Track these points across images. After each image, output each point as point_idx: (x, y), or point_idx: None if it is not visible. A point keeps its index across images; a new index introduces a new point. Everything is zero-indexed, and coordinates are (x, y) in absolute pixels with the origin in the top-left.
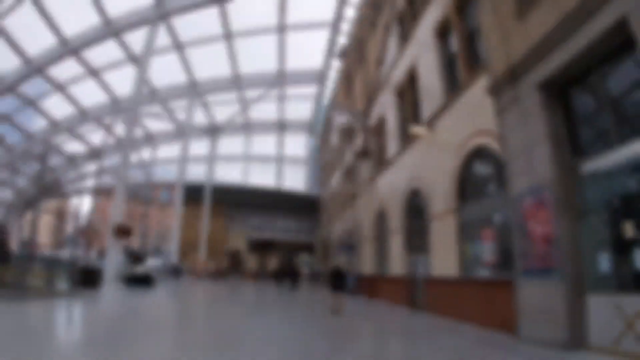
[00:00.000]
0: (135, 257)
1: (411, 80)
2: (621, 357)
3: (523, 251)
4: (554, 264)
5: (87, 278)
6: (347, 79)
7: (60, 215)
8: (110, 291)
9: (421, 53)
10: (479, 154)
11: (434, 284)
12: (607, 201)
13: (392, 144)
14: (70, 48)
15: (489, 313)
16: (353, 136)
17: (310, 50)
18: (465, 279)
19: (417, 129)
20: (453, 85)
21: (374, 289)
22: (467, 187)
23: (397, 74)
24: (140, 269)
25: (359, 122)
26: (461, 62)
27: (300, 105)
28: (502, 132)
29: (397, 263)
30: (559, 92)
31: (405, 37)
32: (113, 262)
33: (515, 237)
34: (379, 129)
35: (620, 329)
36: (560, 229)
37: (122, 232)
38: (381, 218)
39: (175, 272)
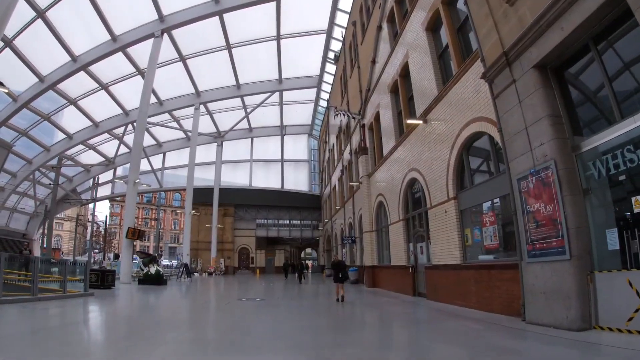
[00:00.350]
0: (148, 257)
1: (404, 76)
2: (634, 336)
3: (528, 233)
4: (561, 243)
5: (102, 279)
6: (342, 82)
7: (81, 223)
8: (123, 290)
9: (413, 49)
10: (476, 141)
11: (436, 271)
12: (610, 177)
13: (388, 139)
14: (80, 64)
15: (493, 297)
16: (350, 135)
17: (306, 57)
18: (467, 265)
19: (413, 122)
20: (446, 77)
21: (375, 278)
22: (465, 174)
23: (390, 72)
24: (152, 269)
25: (355, 121)
26: (453, 53)
27: (300, 109)
28: (500, 116)
29: (398, 253)
30: (556, 71)
31: (396, 35)
32: (127, 263)
33: (519, 219)
34: (375, 126)
35: (632, 307)
36: (565, 207)
37: (135, 234)
38: (381, 210)
39: (186, 270)
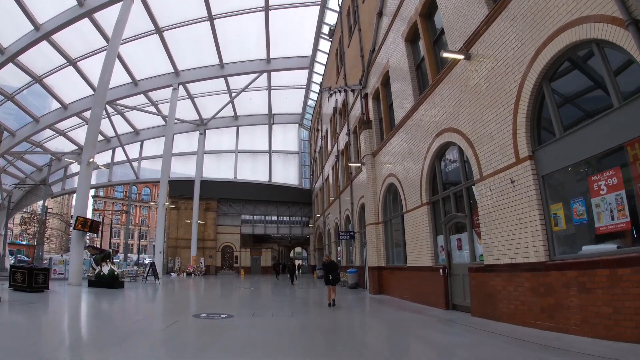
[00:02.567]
0: (100, 253)
1: (426, 14)
2: None
3: None
4: None
5: (30, 280)
6: (338, 57)
7: (63, 219)
8: (56, 295)
9: None
10: (575, 58)
11: (492, 274)
12: None
13: (403, 101)
14: (43, 32)
15: (622, 315)
16: (348, 113)
17: (298, 32)
18: (560, 262)
19: (452, 56)
20: None
21: (383, 282)
22: (551, 116)
23: (406, 15)
24: (105, 268)
25: (355, 93)
26: None
27: (290, 95)
28: None
29: (419, 248)
30: None
31: None
32: (76, 261)
33: None
34: (383, 92)
35: None
36: None
37: (86, 225)
38: (391, 196)
39: (154, 271)
